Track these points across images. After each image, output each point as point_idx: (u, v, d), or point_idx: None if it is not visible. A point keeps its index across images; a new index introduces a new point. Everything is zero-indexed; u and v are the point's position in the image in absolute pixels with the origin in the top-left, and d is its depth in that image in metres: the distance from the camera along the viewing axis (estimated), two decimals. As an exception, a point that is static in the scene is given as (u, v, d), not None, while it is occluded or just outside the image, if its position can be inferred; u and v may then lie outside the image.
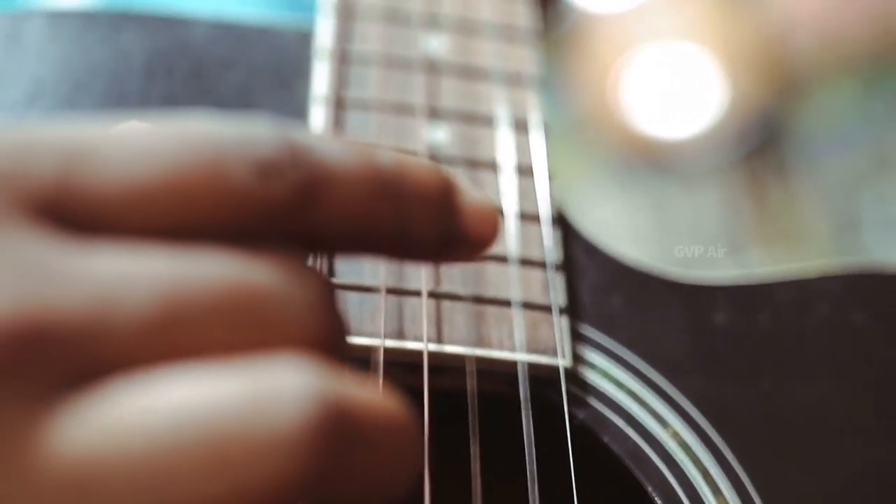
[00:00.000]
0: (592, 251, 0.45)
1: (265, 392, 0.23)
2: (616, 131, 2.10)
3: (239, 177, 0.25)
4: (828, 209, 2.04)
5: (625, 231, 2.11)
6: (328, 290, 0.26)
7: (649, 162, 2.10)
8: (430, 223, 0.28)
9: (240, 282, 0.25)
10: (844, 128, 2.05)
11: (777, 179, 2.06)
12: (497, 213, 0.30)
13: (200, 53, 0.47)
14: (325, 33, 0.48)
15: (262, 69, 0.47)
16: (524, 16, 0.50)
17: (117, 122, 0.27)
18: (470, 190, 0.29)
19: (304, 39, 0.48)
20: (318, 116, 0.44)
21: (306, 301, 0.26)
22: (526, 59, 0.48)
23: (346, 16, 0.48)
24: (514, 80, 0.48)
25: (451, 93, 0.47)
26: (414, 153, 0.43)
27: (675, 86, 2.10)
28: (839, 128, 2.05)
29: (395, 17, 0.49)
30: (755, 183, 2.07)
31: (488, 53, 0.49)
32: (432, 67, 0.47)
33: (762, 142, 2.09)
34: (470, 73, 0.48)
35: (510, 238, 0.43)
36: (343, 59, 0.47)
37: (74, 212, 0.25)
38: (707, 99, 2.09)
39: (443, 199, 0.28)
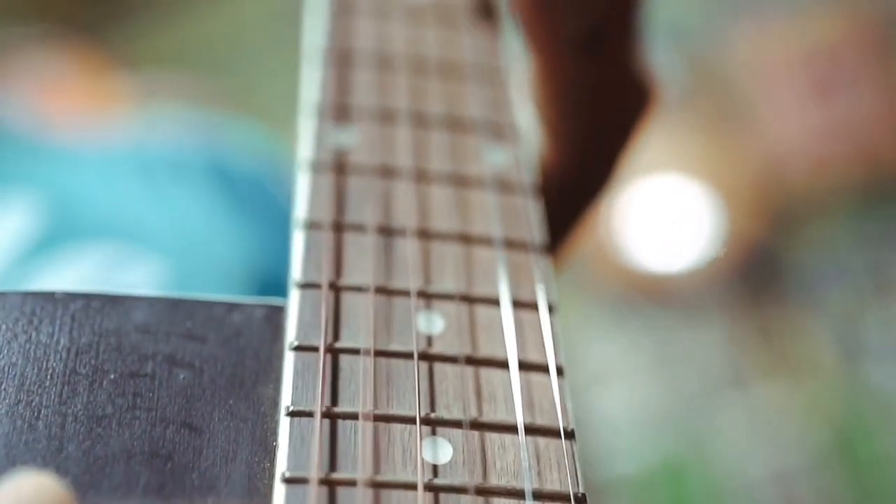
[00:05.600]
0: None
1: None
2: (613, 268, 2.01)
3: None
4: (831, 338, 1.94)
5: (627, 368, 2.01)
6: None
7: (649, 297, 2.01)
8: None
9: None
10: (841, 255, 1.96)
11: (778, 310, 1.96)
12: None
13: (137, 347, 0.35)
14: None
15: (216, 364, 0.35)
16: (541, 295, 0.37)
17: None
18: None
19: (273, 317, 0.36)
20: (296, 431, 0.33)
21: None
22: (548, 336, 0.36)
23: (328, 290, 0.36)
24: (530, 368, 0.35)
25: (453, 386, 0.34)
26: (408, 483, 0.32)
27: (670, 220, 2.01)
28: (836, 255, 1.96)
29: (387, 295, 0.37)
30: (757, 315, 1.97)
31: (497, 338, 0.36)
32: (433, 359, 0.35)
33: (762, 273, 2.00)
34: (475, 362, 0.35)
35: None
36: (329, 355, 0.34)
37: None
38: (703, 232, 2.00)
39: None
